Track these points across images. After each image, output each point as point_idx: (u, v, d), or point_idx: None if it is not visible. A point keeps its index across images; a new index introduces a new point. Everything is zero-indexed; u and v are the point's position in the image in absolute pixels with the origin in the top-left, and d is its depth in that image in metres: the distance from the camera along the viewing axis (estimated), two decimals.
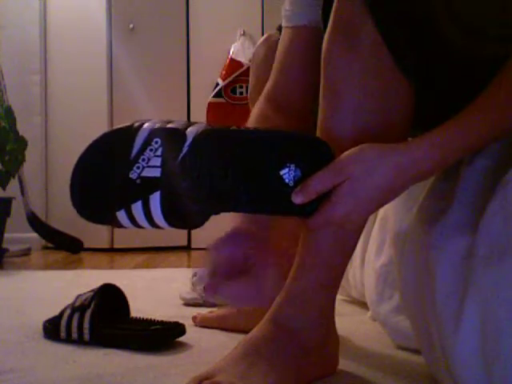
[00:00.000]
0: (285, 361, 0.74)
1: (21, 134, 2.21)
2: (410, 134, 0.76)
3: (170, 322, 1.00)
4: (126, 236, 2.57)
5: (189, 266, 2.13)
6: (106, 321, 1.00)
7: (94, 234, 2.55)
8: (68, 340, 0.99)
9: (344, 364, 0.83)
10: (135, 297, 1.10)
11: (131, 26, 2.58)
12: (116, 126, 0.68)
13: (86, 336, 0.97)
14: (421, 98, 0.74)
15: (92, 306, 0.99)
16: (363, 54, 0.71)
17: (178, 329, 0.99)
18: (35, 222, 2.45)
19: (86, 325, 0.97)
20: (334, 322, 0.81)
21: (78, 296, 1.04)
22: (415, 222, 0.76)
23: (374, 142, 0.69)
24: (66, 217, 2.60)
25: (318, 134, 0.75)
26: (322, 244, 0.77)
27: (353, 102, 0.72)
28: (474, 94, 0.69)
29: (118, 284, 1.06)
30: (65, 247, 2.47)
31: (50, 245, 2.54)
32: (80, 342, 0.98)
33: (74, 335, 0.98)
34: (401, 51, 0.70)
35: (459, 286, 0.62)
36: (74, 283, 1.65)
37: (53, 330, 1.01)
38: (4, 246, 2.21)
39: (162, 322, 1.00)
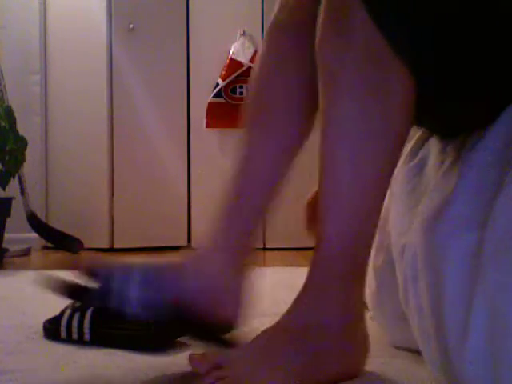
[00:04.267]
0: (293, 358, 0.70)
1: (21, 134, 2.21)
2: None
3: None
4: (126, 236, 2.57)
5: None
6: (106, 321, 0.99)
7: (94, 234, 2.55)
8: (68, 340, 0.99)
9: None
10: None
11: (131, 26, 2.58)
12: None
13: (87, 336, 0.97)
14: (423, 86, 0.71)
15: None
16: (356, 40, 0.68)
17: (177, 329, 0.98)
18: (35, 222, 2.45)
19: (87, 325, 0.97)
20: (363, 320, 0.76)
21: None
22: (418, 219, 0.76)
23: (374, 128, 0.68)
24: (66, 217, 2.60)
25: (320, 121, 0.73)
26: (338, 232, 0.72)
27: (351, 88, 0.69)
28: (475, 77, 0.66)
29: None
30: (65, 247, 2.47)
31: (50, 245, 2.54)
32: (80, 342, 0.98)
33: (75, 335, 0.98)
34: (396, 36, 0.67)
35: (467, 286, 0.60)
36: None
37: (53, 330, 1.01)
38: (4, 245, 2.21)
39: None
